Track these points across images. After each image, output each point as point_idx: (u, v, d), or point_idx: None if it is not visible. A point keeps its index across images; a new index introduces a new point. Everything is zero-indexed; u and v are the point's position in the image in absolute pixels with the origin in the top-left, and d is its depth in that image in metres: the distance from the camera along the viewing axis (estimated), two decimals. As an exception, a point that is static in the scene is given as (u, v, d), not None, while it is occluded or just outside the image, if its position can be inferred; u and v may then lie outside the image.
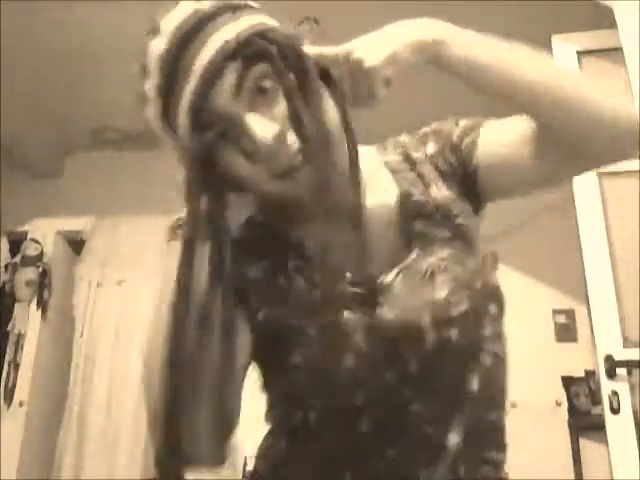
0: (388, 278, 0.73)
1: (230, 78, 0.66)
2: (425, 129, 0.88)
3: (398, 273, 0.73)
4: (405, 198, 0.78)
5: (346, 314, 0.70)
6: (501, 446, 0.77)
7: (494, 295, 0.75)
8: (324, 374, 0.70)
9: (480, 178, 0.81)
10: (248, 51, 0.66)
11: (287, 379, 0.73)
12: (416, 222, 0.76)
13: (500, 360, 0.76)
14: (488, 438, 0.75)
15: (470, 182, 0.81)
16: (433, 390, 0.70)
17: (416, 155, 0.84)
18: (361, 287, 0.72)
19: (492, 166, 0.80)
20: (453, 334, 0.70)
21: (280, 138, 0.66)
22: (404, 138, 0.88)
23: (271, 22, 0.76)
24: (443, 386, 0.71)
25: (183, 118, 0.67)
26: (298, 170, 0.67)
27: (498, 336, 0.76)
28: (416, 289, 0.72)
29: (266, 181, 0.68)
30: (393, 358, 0.69)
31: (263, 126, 0.66)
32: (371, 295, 0.72)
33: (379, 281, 0.73)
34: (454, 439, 0.70)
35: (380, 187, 0.80)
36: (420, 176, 0.81)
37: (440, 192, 0.80)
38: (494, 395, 0.76)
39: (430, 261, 0.73)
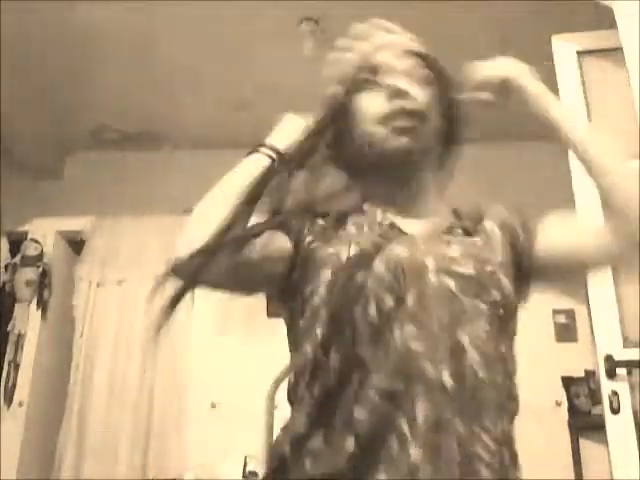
0: (417, 232, 0.91)
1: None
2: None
3: (426, 235, 0.91)
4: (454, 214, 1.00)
5: (374, 243, 0.86)
6: (497, 423, 0.80)
7: (499, 286, 0.86)
8: (340, 286, 0.83)
9: (535, 263, 0.96)
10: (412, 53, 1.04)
11: (310, 302, 0.86)
12: (454, 228, 0.95)
13: (499, 352, 0.83)
14: (486, 408, 0.79)
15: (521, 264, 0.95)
16: (424, 326, 0.80)
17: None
18: (399, 230, 0.91)
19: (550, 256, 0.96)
20: (452, 285, 0.83)
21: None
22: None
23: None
24: (434, 327, 0.80)
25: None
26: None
27: (496, 327, 0.84)
28: (432, 243, 0.88)
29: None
30: (395, 284, 0.81)
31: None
32: (402, 239, 0.89)
33: (411, 232, 0.91)
34: (448, 380, 0.77)
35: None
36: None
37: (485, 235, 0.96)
38: (494, 375, 0.81)
39: (451, 237, 0.91)
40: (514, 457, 0.82)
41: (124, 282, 3.63)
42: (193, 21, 2.87)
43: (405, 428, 0.75)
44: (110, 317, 3.55)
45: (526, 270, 0.95)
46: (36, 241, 3.67)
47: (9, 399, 3.38)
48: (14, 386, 3.40)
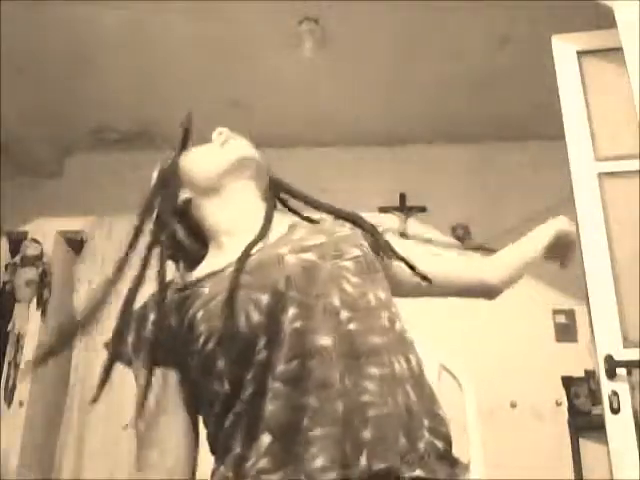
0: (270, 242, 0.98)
1: None
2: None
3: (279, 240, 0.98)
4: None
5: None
6: (385, 366, 0.83)
7: (356, 243, 0.96)
8: (215, 311, 0.87)
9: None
10: None
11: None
12: (296, 226, 1.04)
13: (377, 300, 0.90)
14: (368, 356, 0.83)
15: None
16: (302, 304, 0.84)
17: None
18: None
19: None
20: (310, 256, 0.90)
21: None
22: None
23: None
24: (309, 300, 0.85)
25: None
26: None
27: (366, 278, 0.91)
28: (279, 239, 0.97)
29: None
30: (263, 280, 0.86)
31: None
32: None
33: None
34: (327, 342, 0.82)
35: None
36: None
37: None
38: (373, 322, 0.87)
39: (294, 231, 1.01)
40: (421, 389, 0.86)
41: (124, 282, 3.63)
42: (193, 21, 2.87)
43: (314, 404, 0.78)
44: (110, 317, 3.55)
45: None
46: (36, 241, 3.67)
47: (9, 399, 3.38)
48: (14, 386, 3.40)
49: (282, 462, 0.76)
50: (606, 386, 1.86)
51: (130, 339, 1.01)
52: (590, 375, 3.24)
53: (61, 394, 3.44)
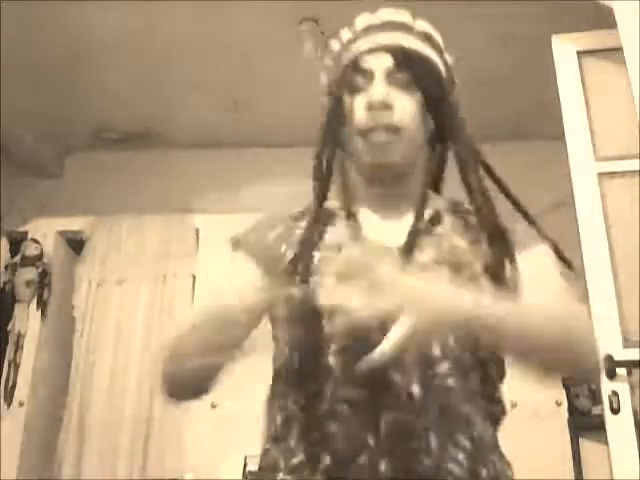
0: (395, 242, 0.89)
1: None
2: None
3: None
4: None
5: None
6: (473, 440, 0.78)
7: (478, 290, 0.80)
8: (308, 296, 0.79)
9: None
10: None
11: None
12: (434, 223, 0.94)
13: (476, 358, 0.81)
14: (459, 424, 0.77)
15: None
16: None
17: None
18: None
19: None
20: None
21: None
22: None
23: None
24: None
25: None
26: None
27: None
28: (406, 250, 0.85)
29: None
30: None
31: None
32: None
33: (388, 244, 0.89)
34: (417, 390, 0.76)
35: None
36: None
37: None
38: (467, 383, 0.80)
39: (431, 236, 0.90)
40: (497, 462, 0.81)
41: (124, 282, 3.63)
42: (193, 21, 2.87)
43: (372, 442, 0.74)
44: (110, 317, 3.55)
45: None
46: (36, 241, 3.67)
47: (9, 399, 3.37)
48: (14, 386, 3.40)
49: None
50: (606, 386, 1.86)
51: (253, 237, 0.95)
52: (590, 375, 3.24)
53: (61, 394, 3.44)
